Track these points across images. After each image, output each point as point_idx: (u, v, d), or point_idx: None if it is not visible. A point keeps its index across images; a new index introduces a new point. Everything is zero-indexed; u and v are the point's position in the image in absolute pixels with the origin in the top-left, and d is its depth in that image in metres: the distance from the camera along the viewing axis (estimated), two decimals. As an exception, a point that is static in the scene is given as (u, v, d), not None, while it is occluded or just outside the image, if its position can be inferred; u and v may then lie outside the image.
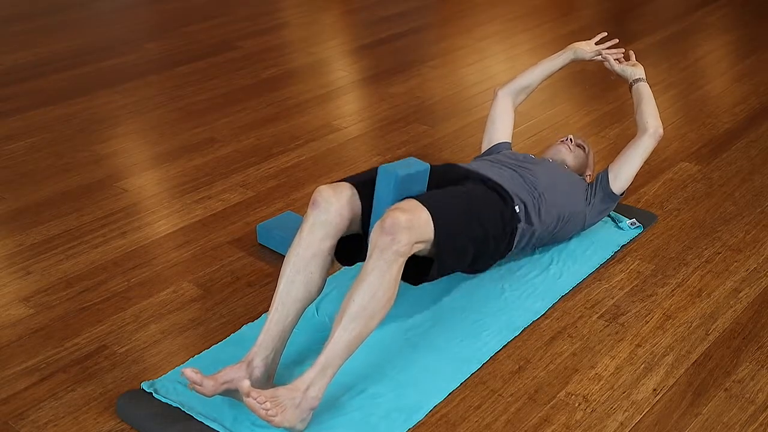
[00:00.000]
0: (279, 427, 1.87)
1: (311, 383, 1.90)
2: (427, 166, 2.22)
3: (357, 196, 2.16)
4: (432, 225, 2.04)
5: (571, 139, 2.80)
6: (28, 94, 4.10)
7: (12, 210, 3.03)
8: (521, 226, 2.37)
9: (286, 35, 5.01)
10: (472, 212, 2.20)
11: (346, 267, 2.41)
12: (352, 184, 2.19)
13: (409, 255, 2.01)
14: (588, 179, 2.82)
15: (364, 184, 2.19)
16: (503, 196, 2.33)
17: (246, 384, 1.84)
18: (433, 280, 2.18)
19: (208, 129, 3.67)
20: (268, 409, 1.83)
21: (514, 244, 2.38)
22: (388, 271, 1.95)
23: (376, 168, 2.20)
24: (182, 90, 4.12)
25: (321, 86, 4.14)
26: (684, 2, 5.46)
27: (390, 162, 3.31)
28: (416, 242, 2.01)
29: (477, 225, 2.20)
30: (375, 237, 1.98)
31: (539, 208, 2.44)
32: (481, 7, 5.48)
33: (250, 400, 1.83)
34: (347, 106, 3.94)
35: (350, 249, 2.23)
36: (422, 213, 2.03)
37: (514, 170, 2.50)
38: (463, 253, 2.18)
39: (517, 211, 2.36)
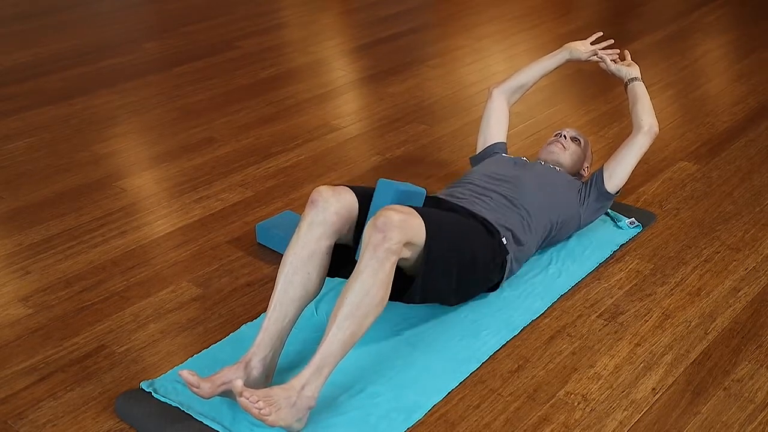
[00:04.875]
0: (274, 426, 1.86)
1: (306, 382, 1.90)
2: (423, 190, 2.25)
3: (356, 202, 2.16)
4: (424, 231, 2.04)
5: (564, 136, 2.80)
6: (28, 94, 4.10)
7: (11, 210, 3.02)
8: (510, 257, 2.38)
9: (285, 35, 5.01)
10: (463, 233, 2.21)
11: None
12: (353, 191, 2.18)
13: (400, 255, 2.00)
14: (585, 172, 2.82)
15: (364, 196, 2.19)
16: (490, 230, 2.33)
17: (239, 384, 1.83)
18: (414, 297, 2.15)
19: (207, 129, 3.67)
20: (261, 408, 1.83)
21: (506, 273, 2.39)
22: (380, 269, 1.95)
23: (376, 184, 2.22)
24: (181, 90, 4.12)
25: (320, 86, 4.14)
26: (683, 2, 5.46)
27: (389, 160, 3.34)
28: (407, 242, 2.00)
29: (466, 246, 2.20)
30: (367, 235, 1.97)
31: (528, 224, 2.45)
32: (481, 7, 5.48)
33: (243, 400, 1.83)
34: (346, 105, 3.94)
35: (336, 261, 2.19)
36: (416, 218, 2.03)
37: (498, 193, 2.48)
38: (448, 271, 2.16)
39: (504, 243, 2.36)
